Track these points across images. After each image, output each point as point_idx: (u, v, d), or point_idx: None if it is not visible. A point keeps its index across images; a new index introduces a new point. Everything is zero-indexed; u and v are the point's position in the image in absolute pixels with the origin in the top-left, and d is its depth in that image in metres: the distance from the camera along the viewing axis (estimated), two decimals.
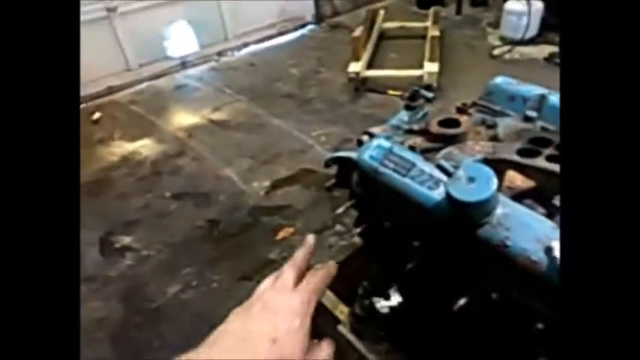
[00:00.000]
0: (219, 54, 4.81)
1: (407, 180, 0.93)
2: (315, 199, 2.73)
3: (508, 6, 4.10)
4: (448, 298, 0.91)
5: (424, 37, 4.25)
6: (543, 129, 1.13)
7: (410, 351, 1.14)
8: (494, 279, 0.86)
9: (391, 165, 0.98)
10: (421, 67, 3.70)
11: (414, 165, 0.96)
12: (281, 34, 5.21)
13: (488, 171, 0.80)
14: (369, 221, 1.15)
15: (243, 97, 4.07)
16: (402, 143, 1.21)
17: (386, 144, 1.05)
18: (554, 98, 1.20)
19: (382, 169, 0.99)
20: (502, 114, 1.28)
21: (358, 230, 1.15)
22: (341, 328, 1.32)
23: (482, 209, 0.80)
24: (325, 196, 2.69)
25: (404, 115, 1.40)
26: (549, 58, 3.81)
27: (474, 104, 1.39)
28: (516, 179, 0.99)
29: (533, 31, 4.08)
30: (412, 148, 1.16)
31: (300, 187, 2.85)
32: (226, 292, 2.23)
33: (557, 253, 0.73)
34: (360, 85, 3.89)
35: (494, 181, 0.78)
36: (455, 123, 1.22)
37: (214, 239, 2.55)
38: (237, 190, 2.88)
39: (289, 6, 5.17)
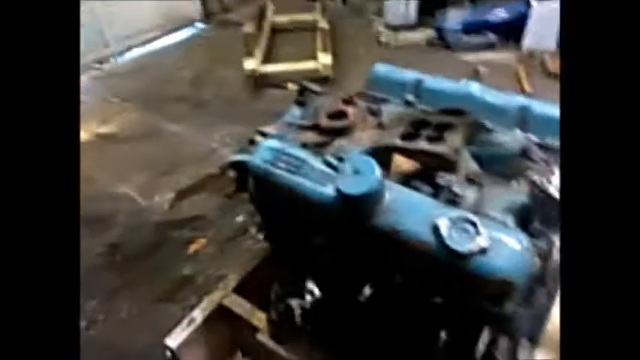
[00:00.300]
0: (101, 62, 4.38)
1: (299, 178, 0.92)
2: (224, 205, 2.62)
3: None
4: (355, 289, 0.91)
5: (316, 28, 4.30)
6: (423, 111, 1.19)
7: (330, 347, 1.14)
8: (392, 264, 0.88)
9: (283, 165, 0.95)
10: (315, 59, 3.74)
11: (304, 162, 0.94)
12: (167, 34, 4.90)
13: (371, 161, 0.81)
14: (269, 224, 1.11)
15: (132, 105, 3.76)
16: (294, 140, 1.20)
17: (276, 144, 1.02)
18: (430, 81, 1.27)
19: (274, 170, 0.96)
20: (385, 101, 1.33)
21: (262, 235, 1.11)
22: (260, 337, 1.28)
23: (370, 199, 0.81)
24: (236, 200, 2.61)
25: (296, 111, 1.39)
26: (430, 42, 4.10)
27: (360, 94, 1.42)
28: (402, 163, 1.03)
29: (413, 16, 4.34)
30: (304, 145, 1.15)
31: (207, 195, 2.72)
32: (138, 318, 2.06)
33: (443, 230, 0.76)
34: (259, 82, 3.82)
35: (378, 171, 0.79)
36: (343, 115, 1.24)
37: (118, 265, 2.33)
38: (136, 208, 2.66)
39: (174, 5, 4.88)
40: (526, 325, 0.93)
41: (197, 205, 2.65)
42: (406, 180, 1.02)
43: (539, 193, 0.87)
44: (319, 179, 0.87)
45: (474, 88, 1.19)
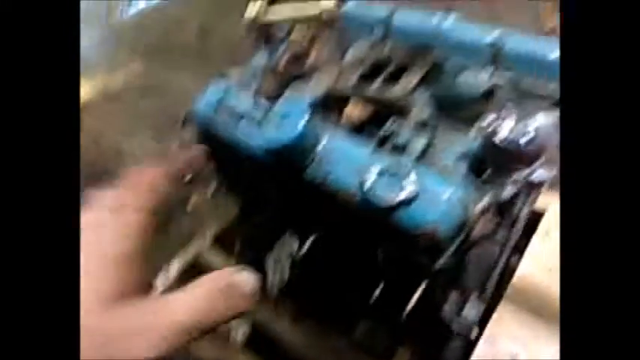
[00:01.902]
0: (106, 15, 4.33)
1: (233, 131, 0.87)
2: None
3: None
4: (299, 245, 0.89)
5: None
6: (389, 50, 1.09)
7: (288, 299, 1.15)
8: (326, 219, 0.84)
9: (224, 115, 0.91)
10: None
11: (240, 112, 0.89)
12: None
13: (303, 105, 0.75)
14: (223, 178, 1.09)
15: (139, 58, 3.74)
16: (251, 87, 1.13)
17: (220, 90, 0.97)
18: (401, 16, 1.16)
19: (215, 120, 0.92)
20: (357, 39, 1.22)
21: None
22: None
23: (298, 146, 0.75)
24: None
25: (263, 55, 1.31)
26: None
27: (332, 32, 1.32)
28: (354, 109, 0.96)
29: None
30: (257, 93, 1.09)
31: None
32: None
33: (369, 180, 0.71)
34: (263, 29, 3.68)
35: (307, 116, 0.73)
36: (306, 57, 1.16)
37: None
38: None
39: None
40: (473, 278, 0.88)
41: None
42: (359, 127, 0.95)
43: (488, 141, 0.78)
44: (251, 130, 0.82)
45: (447, 22, 1.07)
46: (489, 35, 1.01)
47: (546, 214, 1.30)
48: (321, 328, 1.14)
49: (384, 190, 0.70)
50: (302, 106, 0.73)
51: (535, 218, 1.30)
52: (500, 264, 0.86)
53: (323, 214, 0.83)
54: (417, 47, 1.00)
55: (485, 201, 0.68)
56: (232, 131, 0.86)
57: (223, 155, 0.92)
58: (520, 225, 0.89)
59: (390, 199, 0.69)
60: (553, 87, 0.96)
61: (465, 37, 1.04)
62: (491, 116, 0.79)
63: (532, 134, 0.75)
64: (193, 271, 1.39)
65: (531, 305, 1.16)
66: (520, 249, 1.16)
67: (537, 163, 0.78)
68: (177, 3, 4.53)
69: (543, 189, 1.19)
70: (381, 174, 0.71)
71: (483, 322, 1.07)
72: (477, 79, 0.99)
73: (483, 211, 0.71)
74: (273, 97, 1.06)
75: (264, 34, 1.34)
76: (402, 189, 0.69)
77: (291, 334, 1.15)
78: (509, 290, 1.15)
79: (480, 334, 1.07)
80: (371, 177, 0.71)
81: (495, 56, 1.00)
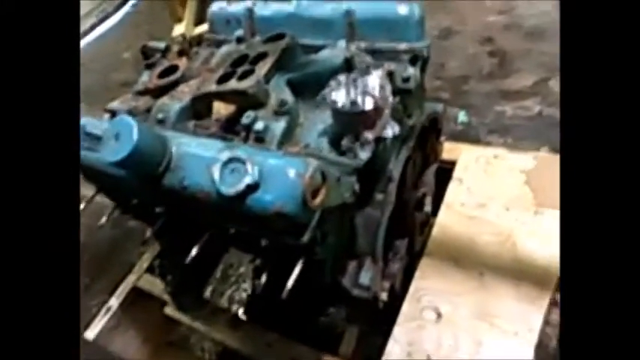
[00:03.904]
0: None
1: (93, 154, 0.87)
2: None
3: None
4: (186, 249, 0.90)
5: None
6: (248, 46, 1.09)
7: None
8: (200, 220, 0.85)
9: (85, 144, 0.91)
10: None
11: (94, 135, 0.89)
12: (102, 20, 4.71)
13: (128, 120, 0.75)
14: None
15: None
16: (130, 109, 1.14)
17: (83, 122, 0.97)
18: (259, 10, 1.17)
19: (82, 154, 0.92)
20: (225, 42, 1.23)
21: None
22: (167, 310, 1.31)
23: (136, 162, 0.76)
24: None
25: (145, 76, 1.31)
26: None
27: (202, 40, 1.33)
28: (220, 108, 0.97)
29: None
30: (130, 113, 1.09)
31: None
32: None
33: (215, 175, 0.72)
34: (196, 45, 3.68)
35: (135, 131, 0.74)
36: (175, 69, 1.16)
37: (85, 264, 2.40)
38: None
39: None
40: (363, 245, 0.90)
41: None
42: (227, 126, 0.96)
43: (334, 110, 0.80)
44: (98, 149, 0.82)
45: (301, 5, 1.08)
46: (340, 8, 1.03)
47: (458, 162, 1.33)
48: (252, 327, 1.15)
49: (230, 181, 0.71)
50: (129, 123, 0.73)
51: (448, 168, 1.32)
52: (384, 224, 0.88)
53: (196, 217, 0.84)
54: (270, 37, 1.01)
55: (313, 166, 0.69)
56: (89, 155, 0.86)
57: (94, 175, 0.92)
58: (395, 182, 0.90)
59: (235, 189, 0.70)
60: (405, 46, 0.98)
61: (321, 13, 1.06)
62: (329, 85, 0.80)
63: (368, 95, 0.77)
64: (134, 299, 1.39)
65: (451, 255, 1.18)
66: (427, 202, 1.17)
67: (382, 121, 0.79)
68: (110, 36, 4.51)
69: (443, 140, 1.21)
70: (225, 166, 0.72)
71: (408, 278, 1.09)
72: (334, 51, 1.00)
73: (314, 177, 0.71)
74: (146, 114, 1.07)
75: (146, 56, 1.35)
76: (243, 178, 0.70)
77: (230, 338, 1.17)
78: (429, 244, 1.17)
79: (406, 291, 1.09)
80: (215, 172, 0.72)
81: (350, 24, 1.02)
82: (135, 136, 0.73)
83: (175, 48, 1.23)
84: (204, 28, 3.79)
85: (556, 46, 2.13)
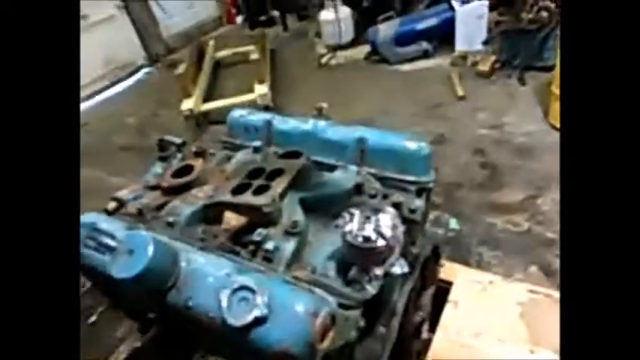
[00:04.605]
0: None
1: (104, 258, 0.86)
2: None
3: (322, 16, 4.35)
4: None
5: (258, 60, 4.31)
6: (265, 158, 1.15)
7: None
8: (199, 344, 0.83)
9: (92, 243, 0.91)
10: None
11: (113, 238, 0.89)
12: (113, 84, 4.90)
13: (145, 237, 0.76)
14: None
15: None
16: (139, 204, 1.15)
17: (91, 218, 0.98)
18: (278, 123, 1.24)
19: (84, 251, 0.91)
20: (242, 147, 1.29)
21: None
22: None
23: (147, 279, 0.75)
24: None
25: (158, 168, 1.35)
26: (367, 57, 4.12)
27: (221, 142, 1.39)
28: (231, 219, 0.99)
29: (350, 34, 4.37)
30: (140, 212, 1.11)
31: None
32: None
33: (223, 302, 0.72)
34: (201, 120, 3.81)
35: (152, 249, 0.74)
36: (190, 170, 1.20)
37: None
38: None
39: (115, 53, 4.90)
40: None
41: None
42: (236, 237, 0.97)
43: (345, 240, 0.82)
44: (109, 261, 0.82)
45: (317, 125, 1.16)
46: (354, 134, 1.10)
47: (454, 284, 1.34)
48: None
49: (238, 310, 0.70)
50: (145, 241, 0.74)
51: (444, 289, 1.33)
52: (385, 357, 0.86)
53: (193, 336, 0.82)
54: (288, 153, 1.06)
55: (325, 311, 0.69)
56: (96, 260, 0.86)
57: (99, 281, 0.91)
58: (399, 316, 0.90)
59: (241, 321, 0.69)
60: (412, 178, 1.04)
61: (336, 136, 1.13)
62: (343, 216, 0.83)
63: (382, 233, 0.80)
64: None
65: None
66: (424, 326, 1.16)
67: (392, 258, 0.81)
68: (118, 101, 4.66)
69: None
70: (234, 294, 0.72)
71: None
72: (346, 174, 1.05)
73: (326, 321, 0.71)
74: (156, 212, 1.08)
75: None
76: (252, 309, 0.70)
77: None
78: None
79: None
80: (224, 299, 0.72)
81: (362, 150, 1.08)
82: (149, 255, 0.73)
83: (192, 148, 1.28)
84: (212, 105, 3.98)
85: (544, 164, 2.26)
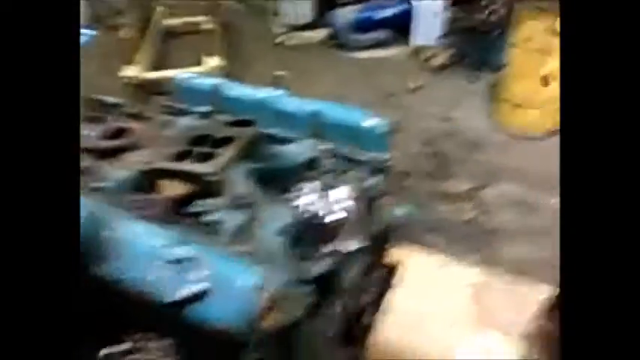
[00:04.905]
0: None
1: None
2: None
3: None
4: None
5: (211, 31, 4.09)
6: (212, 124, 1.05)
7: None
8: (130, 323, 0.73)
9: None
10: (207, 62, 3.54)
11: None
12: None
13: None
14: None
15: None
16: None
17: None
18: (228, 89, 1.15)
19: None
20: (187, 112, 1.18)
21: None
22: None
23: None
24: None
25: (85, 130, 1.20)
26: (325, 41, 4.05)
27: (162, 106, 1.27)
28: (168, 188, 0.89)
29: (308, 16, 4.27)
30: None
31: None
32: None
33: (155, 275, 0.63)
34: (145, 89, 3.56)
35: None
36: (124, 133, 1.08)
37: None
38: None
39: None
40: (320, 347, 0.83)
41: None
42: (174, 207, 0.88)
43: (297, 216, 0.76)
44: None
45: (271, 95, 1.08)
46: (309, 106, 1.04)
47: (404, 267, 1.33)
48: None
49: (174, 285, 0.63)
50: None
51: (388, 271, 1.32)
52: (335, 338, 0.82)
53: (128, 316, 0.73)
54: (238, 121, 0.98)
55: (269, 287, 0.63)
56: None
57: None
58: (348, 295, 0.87)
59: (178, 294, 0.61)
60: (369, 155, 1.00)
61: (290, 108, 1.06)
62: (296, 192, 0.78)
63: (333, 208, 0.75)
64: None
65: None
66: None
67: (343, 235, 0.77)
68: None
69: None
70: (169, 266, 0.64)
71: None
72: (300, 148, 0.99)
73: (271, 297, 0.66)
74: (85, 177, 0.96)
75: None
76: (188, 283, 0.62)
77: None
78: (369, 351, 1.12)
79: None
80: (157, 272, 0.64)
81: (317, 124, 1.03)
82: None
83: (130, 109, 1.15)
84: (156, 75, 3.73)
85: (489, 157, 2.34)
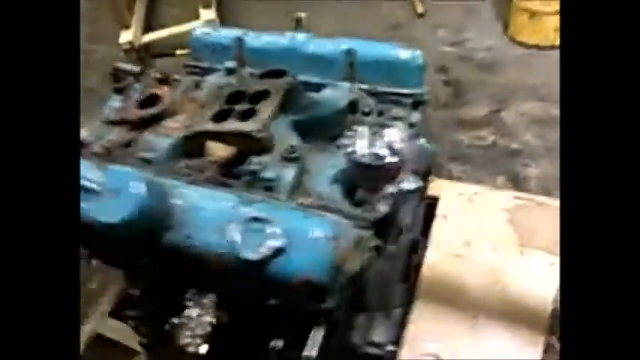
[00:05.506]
0: None
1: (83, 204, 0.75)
2: None
3: None
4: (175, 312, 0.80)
5: None
6: (242, 79, 1.02)
7: None
8: (205, 282, 0.76)
9: None
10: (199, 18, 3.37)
11: (89, 181, 0.77)
12: None
13: (131, 174, 0.66)
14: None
15: None
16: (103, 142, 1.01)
17: None
18: (251, 40, 1.10)
19: None
20: (211, 70, 1.15)
21: None
22: None
23: (146, 219, 0.66)
24: None
25: (116, 101, 1.18)
26: None
27: (184, 67, 1.23)
28: (216, 150, 0.89)
29: None
30: (108, 151, 0.97)
31: None
32: None
33: (234, 237, 0.65)
34: (144, 54, 3.44)
35: (140, 186, 0.65)
36: (157, 99, 1.06)
37: None
38: None
39: None
40: (374, 300, 0.87)
41: None
42: (225, 169, 0.88)
43: (351, 161, 0.76)
44: (92, 205, 0.71)
45: (297, 39, 1.04)
46: (341, 46, 1.00)
47: (440, 199, 1.34)
48: None
49: (252, 244, 0.64)
50: (132, 178, 0.63)
51: (431, 204, 1.34)
52: (396, 279, 0.85)
53: (201, 276, 0.76)
54: (269, 72, 0.95)
55: (345, 234, 0.65)
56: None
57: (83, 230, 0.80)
58: (409, 234, 0.88)
59: (258, 254, 0.63)
60: (407, 90, 0.97)
61: (320, 50, 1.02)
62: (347, 136, 0.76)
63: (388, 149, 0.74)
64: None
65: (444, 297, 1.18)
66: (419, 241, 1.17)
67: (401, 175, 0.77)
68: None
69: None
70: (243, 227, 0.65)
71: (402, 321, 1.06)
72: (337, 92, 0.97)
73: (347, 244, 0.68)
74: (125, 149, 0.96)
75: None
76: (267, 240, 0.64)
77: None
78: (421, 285, 1.17)
79: (401, 335, 1.06)
80: (234, 233, 0.65)
81: (351, 64, 0.99)
82: (140, 193, 0.63)
83: (154, 74, 1.12)
84: (153, 36, 3.59)
85: (506, 78, 2.27)
